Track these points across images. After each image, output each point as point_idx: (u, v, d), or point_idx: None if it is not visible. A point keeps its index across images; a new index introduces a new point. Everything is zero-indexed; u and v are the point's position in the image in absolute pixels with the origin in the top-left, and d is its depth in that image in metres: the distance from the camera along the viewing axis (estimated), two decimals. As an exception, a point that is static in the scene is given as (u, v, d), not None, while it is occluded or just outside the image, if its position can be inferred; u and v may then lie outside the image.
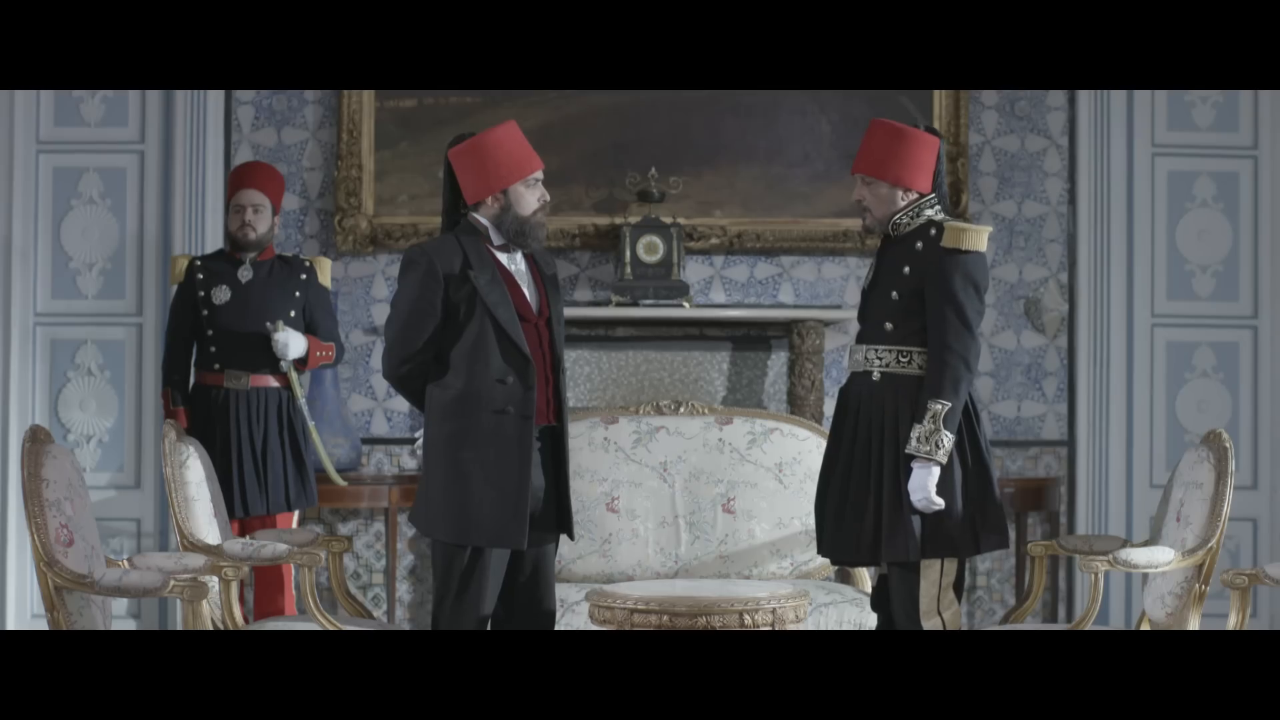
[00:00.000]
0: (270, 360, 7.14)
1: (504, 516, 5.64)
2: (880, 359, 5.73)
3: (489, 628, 5.72)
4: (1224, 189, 8.30)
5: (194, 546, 6.18)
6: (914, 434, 5.59)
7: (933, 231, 5.70)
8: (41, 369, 8.04)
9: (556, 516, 5.83)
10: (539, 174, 5.78)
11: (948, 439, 5.58)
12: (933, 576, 5.66)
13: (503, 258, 5.76)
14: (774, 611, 5.67)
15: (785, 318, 8.14)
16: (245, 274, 7.22)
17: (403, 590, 8.25)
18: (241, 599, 6.86)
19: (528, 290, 5.77)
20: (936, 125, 8.21)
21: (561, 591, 6.73)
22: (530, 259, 5.83)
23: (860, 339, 5.81)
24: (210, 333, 7.17)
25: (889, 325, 5.71)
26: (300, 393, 7.20)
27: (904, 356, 5.70)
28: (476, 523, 5.64)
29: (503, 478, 5.64)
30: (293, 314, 7.20)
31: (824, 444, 6.33)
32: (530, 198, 5.75)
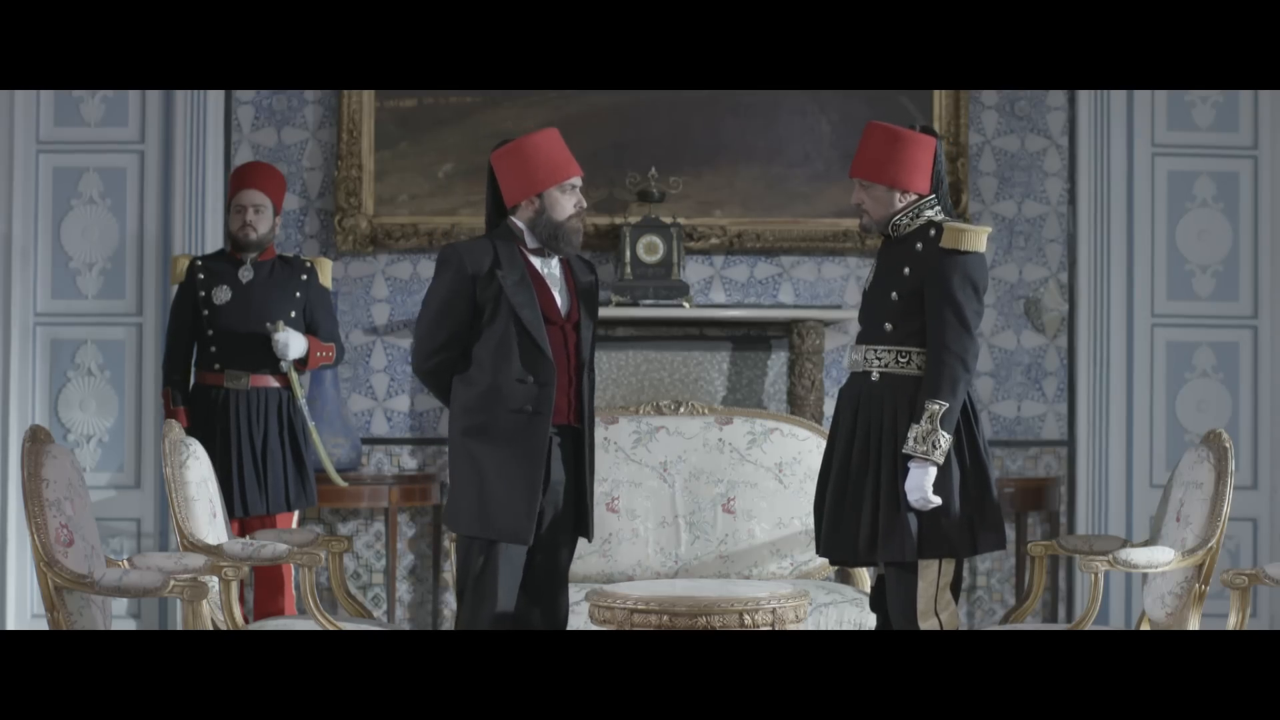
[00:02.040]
0: (270, 360, 7.14)
1: (513, 513, 5.71)
2: (879, 359, 5.73)
3: (511, 625, 5.74)
4: (1224, 189, 8.30)
5: (194, 546, 6.18)
6: (911, 434, 5.59)
7: (932, 232, 5.71)
8: (41, 369, 8.04)
9: (575, 517, 5.89)
10: (576, 180, 5.88)
11: (945, 439, 5.58)
12: (930, 577, 5.66)
13: (536, 261, 5.87)
14: (774, 611, 5.67)
15: (785, 318, 8.14)
16: (246, 274, 7.22)
17: (403, 590, 8.25)
18: (241, 599, 6.86)
19: (558, 294, 5.87)
20: (936, 125, 8.20)
21: (561, 591, 6.74)
22: (566, 265, 5.93)
23: (860, 339, 5.81)
24: (211, 333, 7.17)
25: (888, 326, 5.71)
26: (300, 393, 7.20)
27: (903, 357, 5.70)
28: (488, 517, 5.73)
29: (515, 474, 5.72)
30: (293, 314, 7.20)
31: (824, 444, 6.33)
32: (566, 203, 5.85)
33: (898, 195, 5.76)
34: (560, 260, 5.92)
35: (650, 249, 8.11)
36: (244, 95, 8.24)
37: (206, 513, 6.40)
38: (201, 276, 7.23)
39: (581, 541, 7.05)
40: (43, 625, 7.50)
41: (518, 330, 5.75)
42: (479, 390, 5.78)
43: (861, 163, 5.79)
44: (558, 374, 5.79)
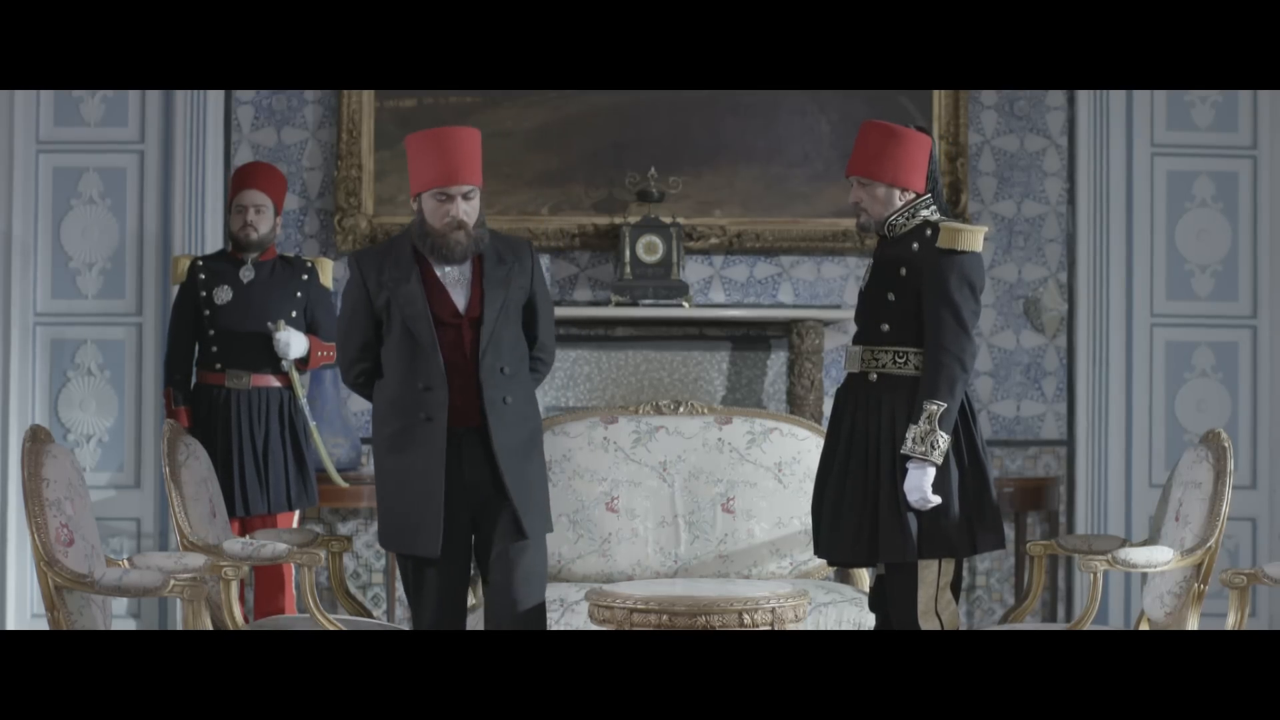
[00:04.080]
0: (272, 360, 7.15)
1: (412, 524, 5.62)
2: (877, 360, 5.73)
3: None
4: (1223, 189, 8.31)
5: (194, 546, 6.18)
6: (909, 435, 5.59)
7: (928, 232, 5.70)
8: (41, 369, 8.04)
9: (511, 518, 5.72)
10: (452, 190, 5.58)
11: (943, 440, 5.57)
12: (930, 577, 5.66)
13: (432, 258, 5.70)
14: (773, 611, 5.67)
15: (785, 317, 8.14)
16: (247, 274, 7.23)
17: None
18: (241, 599, 6.86)
19: (456, 292, 5.69)
20: (936, 125, 8.21)
21: (561, 591, 6.73)
22: (477, 260, 5.70)
23: (857, 340, 5.81)
24: (212, 332, 7.17)
25: (885, 326, 5.71)
26: (301, 392, 7.21)
27: (900, 357, 5.70)
28: (397, 531, 5.66)
29: (414, 485, 5.62)
30: (294, 314, 7.21)
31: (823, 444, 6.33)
32: (437, 211, 5.61)
33: (897, 194, 5.74)
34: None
35: (650, 249, 8.11)
36: (244, 95, 8.24)
37: (206, 513, 6.41)
38: (202, 276, 7.24)
39: (581, 541, 7.06)
40: (43, 625, 7.50)
41: (407, 336, 5.61)
42: (385, 400, 5.68)
43: (859, 160, 5.77)
44: (453, 376, 5.61)
